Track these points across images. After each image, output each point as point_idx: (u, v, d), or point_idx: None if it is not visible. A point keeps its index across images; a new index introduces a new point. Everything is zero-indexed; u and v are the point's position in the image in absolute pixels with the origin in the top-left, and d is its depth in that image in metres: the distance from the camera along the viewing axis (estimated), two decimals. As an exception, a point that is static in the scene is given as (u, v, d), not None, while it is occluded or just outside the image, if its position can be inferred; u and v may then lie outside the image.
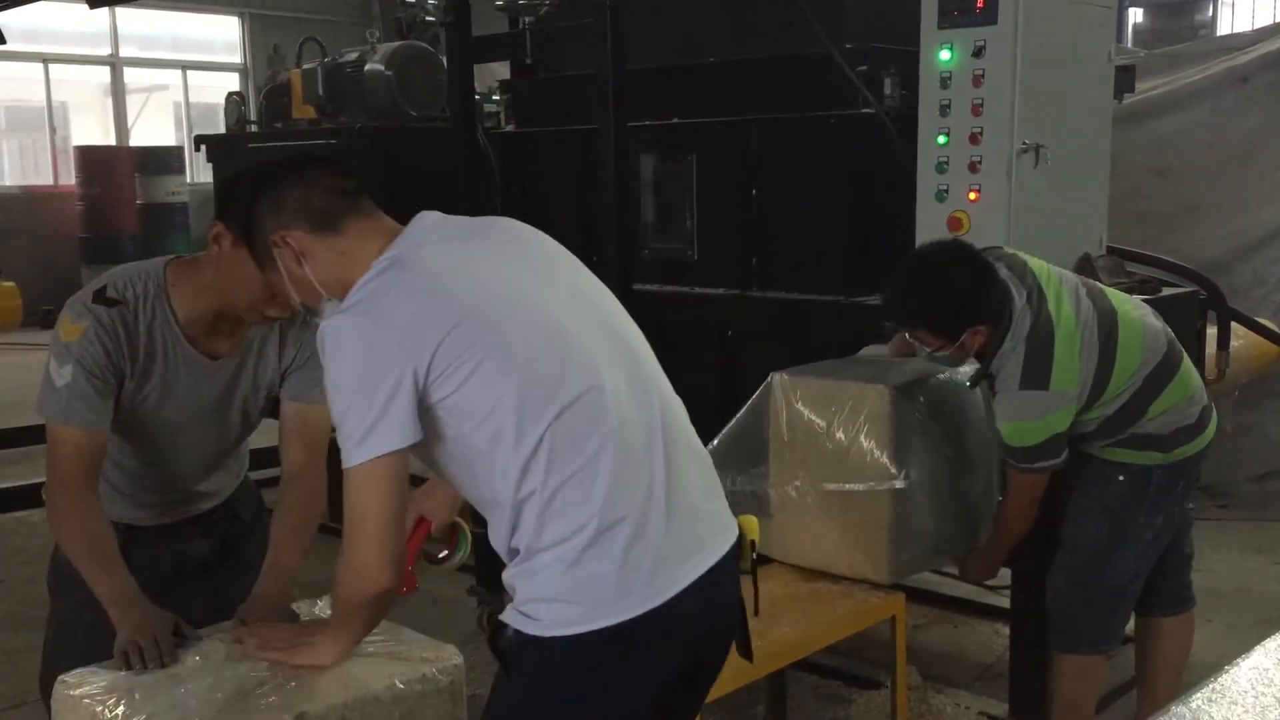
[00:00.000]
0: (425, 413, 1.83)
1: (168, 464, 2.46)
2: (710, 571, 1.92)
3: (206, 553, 2.53)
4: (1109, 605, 3.27)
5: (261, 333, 2.45)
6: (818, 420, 3.23)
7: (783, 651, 2.94)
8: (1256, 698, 1.65)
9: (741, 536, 2.06)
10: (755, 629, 2.91)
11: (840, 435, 3.20)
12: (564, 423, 1.84)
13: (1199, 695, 1.65)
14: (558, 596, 1.83)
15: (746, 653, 2.14)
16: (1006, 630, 3.94)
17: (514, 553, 1.88)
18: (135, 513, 2.46)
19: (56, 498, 2.29)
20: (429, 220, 2.01)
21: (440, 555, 2.38)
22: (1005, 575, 3.88)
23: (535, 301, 1.92)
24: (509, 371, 1.83)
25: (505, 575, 1.90)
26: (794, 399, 3.29)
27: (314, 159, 2.11)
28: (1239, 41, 6.79)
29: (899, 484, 3.10)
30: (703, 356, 4.47)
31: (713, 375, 4.37)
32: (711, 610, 1.95)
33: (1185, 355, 3.26)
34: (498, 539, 1.91)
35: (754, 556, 2.11)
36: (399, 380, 1.79)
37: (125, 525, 2.43)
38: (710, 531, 1.97)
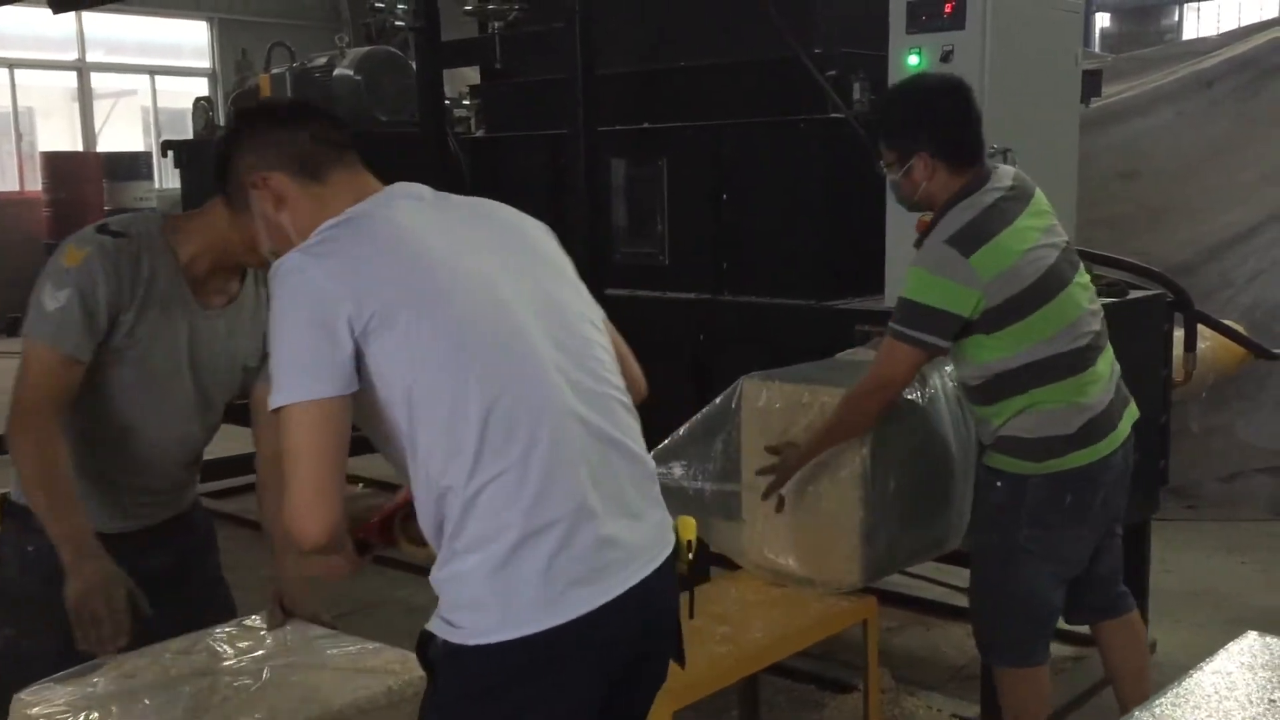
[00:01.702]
0: (362, 372, 1.77)
1: (143, 432, 2.38)
2: (646, 581, 1.86)
3: (165, 567, 2.48)
4: (1019, 617, 3.13)
5: (250, 305, 2.44)
6: (786, 425, 3.23)
7: (755, 656, 2.94)
8: (1220, 702, 1.66)
9: (678, 539, 2.00)
10: (725, 634, 2.94)
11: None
12: (496, 415, 1.77)
13: (1163, 700, 1.66)
14: (480, 603, 1.76)
15: (679, 658, 2.05)
16: (978, 632, 3.95)
17: (441, 551, 1.82)
18: (98, 512, 2.40)
19: (25, 421, 2.19)
20: (410, 187, 1.99)
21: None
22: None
23: (493, 281, 1.87)
24: (444, 346, 1.78)
25: (432, 577, 1.82)
26: (763, 403, 3.29)
27: (308, 104, 2.08)
28: (1204, 46, 6.85)
29: (869, 488, 3.10)
30: (675, 361, 4.46)
31: (685, 380, 4.36)
32: (647, 620, 1.89)
33: (1104, 368, 3.08)
34: (425, 531, 1.85)
35: (690, 558, 2.02)
36: (336, 325, 1.75)
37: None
38: (648, 542, 1.90)
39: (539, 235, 2.08)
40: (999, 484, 3.07)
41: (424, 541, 1.92)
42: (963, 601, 4.55)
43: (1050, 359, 2.97)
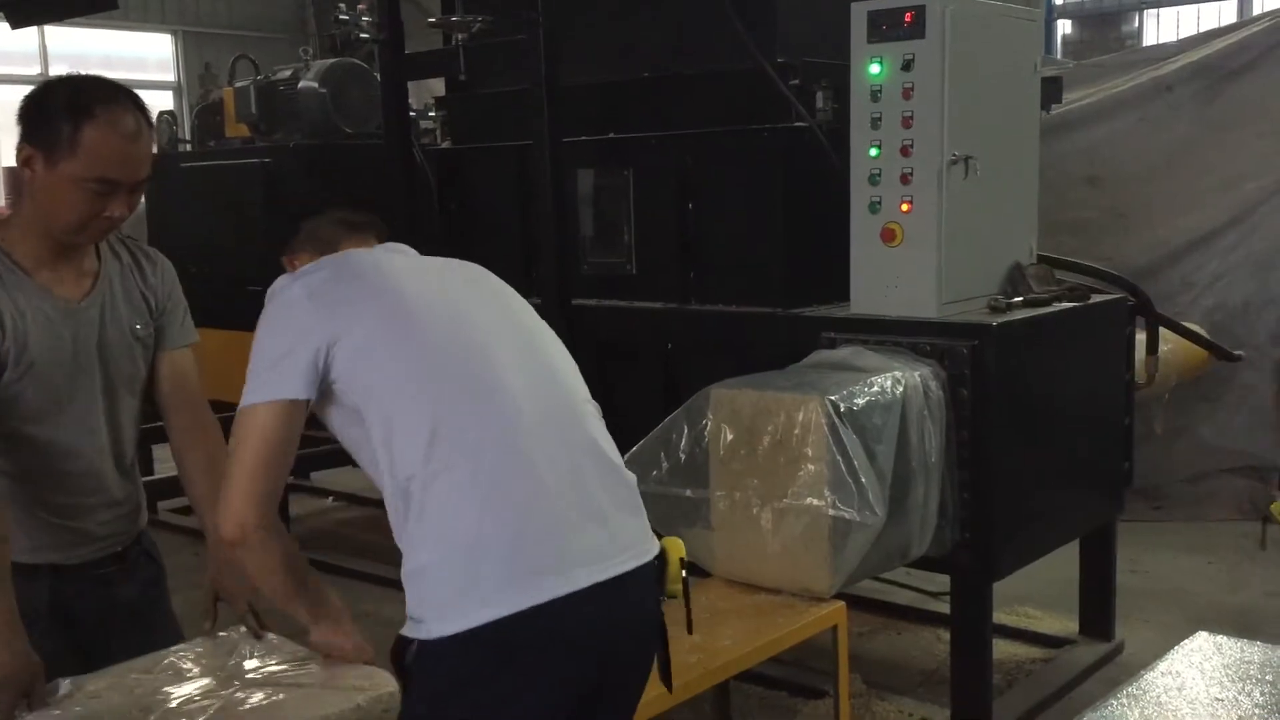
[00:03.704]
0: (329, 387, 1.94)
1: (62, 444, 2.31)
2: (615, 583, 1.90)
3: (132, 598, 2.45)
4: None
5: (117, 278, 2.39)
6: (754, 433, 3.25)
7: (726, 664, 2.95)
8: (1169, 701, 1.69)
9: (666, 558, 2.05)
10: (696, 642, 2.95)
11: (777, 447, 3.22)
12: (455, 419, 1.90)
13: (1113, 700, 1.69)
14: (444, 594, 1.84)
15: (666, 680, 2.10)
16: (948, 636, 3.98)
17: (405, 542, 1.90)
18: (58, 545, 2.36)
19: None
20: (394, 244, 2.23)
21: None
22: (946, 582, 3.93)
23: (463, 310, 2.05)
24: (410, 358, 1.93)
25: (402, 575, 1.90)
26: (731, 410, 3.31)
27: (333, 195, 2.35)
28: (1164, 52, 6.91)
29: (837, 495, 3.12)
30: (643, 370, 4.47)
31: (654, 388, 4.37)
32: (616, 623, 1.93)
33: None
34: (394, 528, 1.93)
35: (684, 577, 2.07)
36: (302, 341, 1.92)
37: (51, 566, 2.33)
38: (618, 545, 1.95)
39: (502, 284, 2.24)
40: None
41: None
42: (933, 606, 4.59)
43: None
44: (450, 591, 1.84)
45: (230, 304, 5.55)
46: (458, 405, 1.92)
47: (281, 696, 2.09)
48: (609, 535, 1.94)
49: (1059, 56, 12.21)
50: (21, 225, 2.29)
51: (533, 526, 1.87)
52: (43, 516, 2.32)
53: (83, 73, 2.29)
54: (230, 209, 5.86)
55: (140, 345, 2.44)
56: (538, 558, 1.85)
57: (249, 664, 2.23)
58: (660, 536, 2.10)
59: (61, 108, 2.18)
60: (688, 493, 3.36)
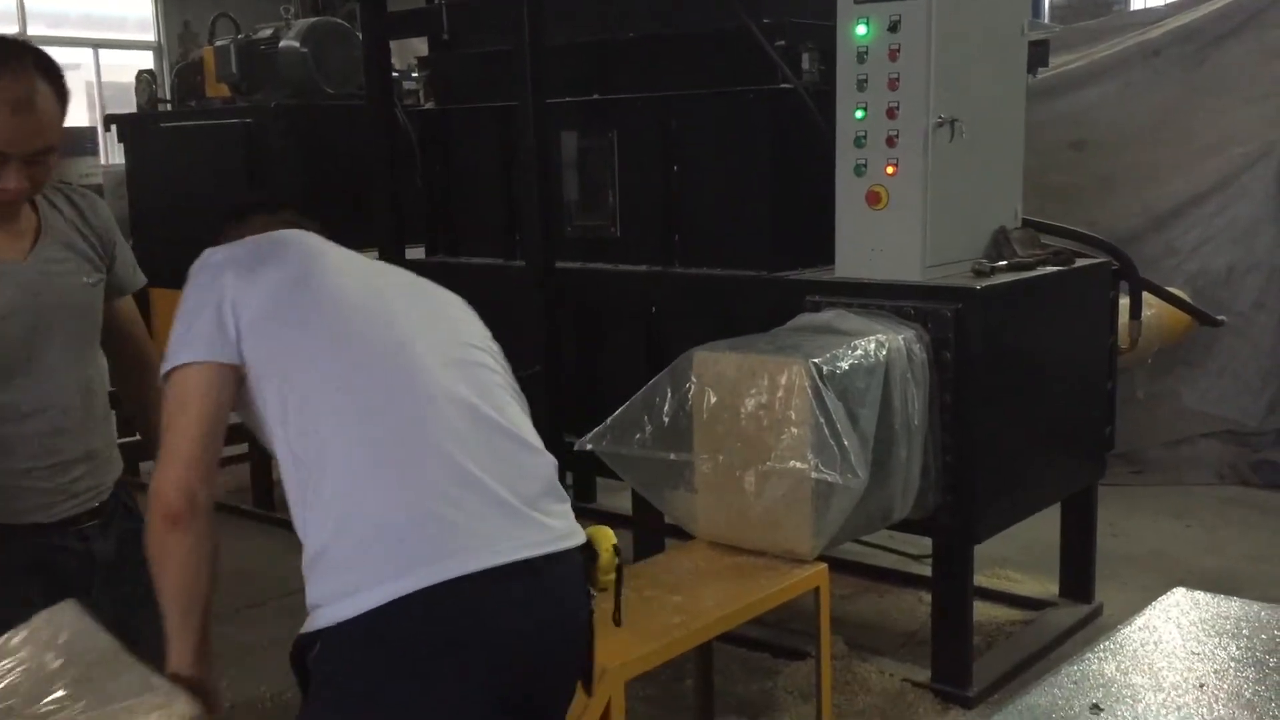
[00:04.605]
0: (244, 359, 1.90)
1: (29, 398, 2.27)
2: (521, 569, 1.78)
3: (110, 554, 2.43)
4: None
5: (60, 231, 2.35)
6: (737, 395, 3.25)
7: (708, 625, 2.96)
8: (1146, 655, 1.71)
9: (592, 551, 1.94)
10: (679, 603, 2.96)
11: (760, 410, 3.22)
12: (354, 402, 1.84)
13: (1090, 655, 1.70)
14: (343, 579, 1.74)
15: (586, 682, 1.97)
16: (930, 599, 4.01)
17: (301, 525, 1.83)
18: (39, 502, 2.34)
19: None
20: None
21: None
22: (928, 545, 3.95)
23: (385, 296, 2.00)
24: (313, 335, 1.90)
25: (303, 565, 1.82)
26: (715, 373, 3.30)
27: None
28: (1150, 16, 6.89)
29: (820, 457, 3.12)
30: (627, 333, 4.46)
31: (637, 351, 4.37)
32: (529, 613, 1.80)
33: None
34: (291, 505, 1.87)
35: (619, 566, 1.95)
36: (218, 305, 1.90)
37: (33, 525, 2.32)
38: (536, 530, 1.84)
39: (434, 286, 2.18)
40: None
41: None
42: (915, 568, 4.62)
43: None
44: (354, 573, 1.74)
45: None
46: (365, 381, 1.86)
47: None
48: (525, 521, 1.84)
49: (1046, 20, 12.16)
50: None
51: (440, 509, 1.77)
52: (22, 481, 2.30)
53: None
54: (211, 169, 5.81)
55: (94, 295, 2.40)
56: (446, 541, 1.75)
57: (53, 680, 1.86)
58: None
59: None
60: (671, 456, 3.36)
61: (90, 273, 2.39)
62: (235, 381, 1.89)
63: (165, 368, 1.89)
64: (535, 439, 1.97)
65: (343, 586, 1.74)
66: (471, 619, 1.75)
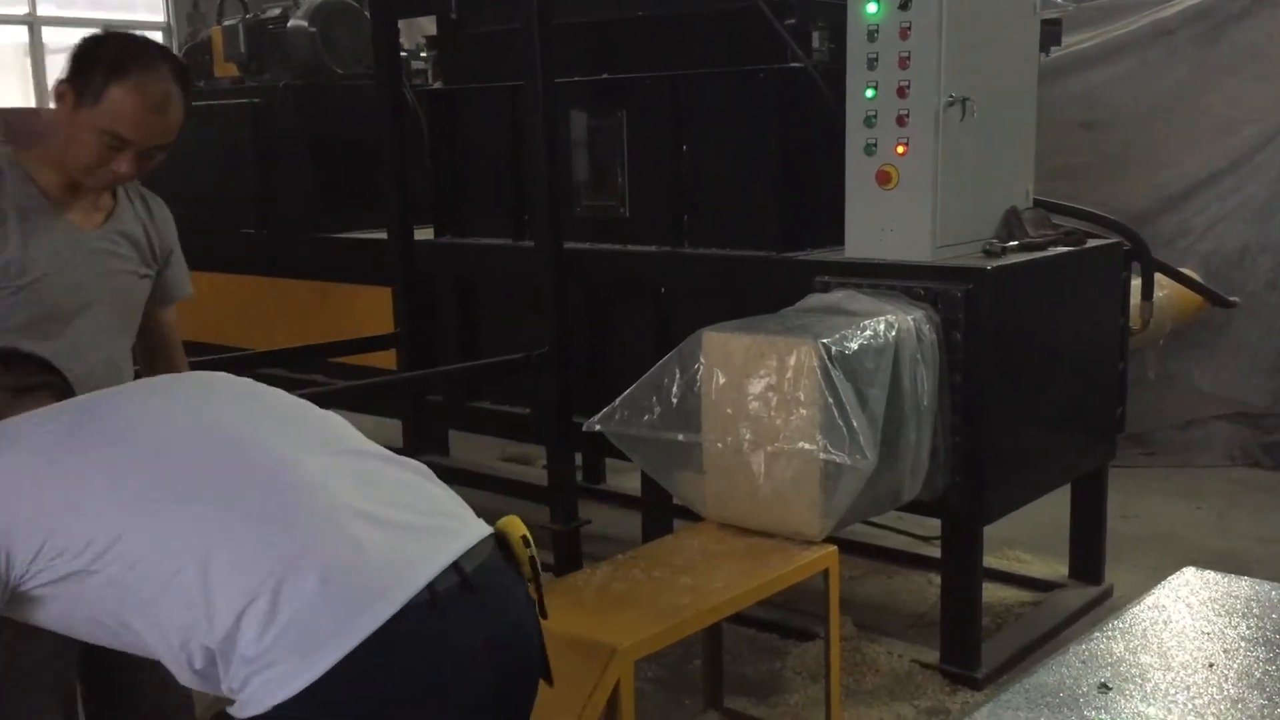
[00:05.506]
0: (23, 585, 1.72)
1: (66, 354, 2.33)
2: (459, 569, 1.72)
3: None
4: None
5: (129, 220, 2.52)
6: (746, 376, 3.24)
7: (717, 606, 2.96)
8: (1156, 634, 1.70)
9: (507, 543, 1.87)
10: (688, 584, 2.96)
11: (769, 391, 3.21)
12: (209, 488, 1.72)
13: (1099, 634, 1.70)
14: (269, 662, 1.60)
15: (545, 672, 1.90)
16: (939, 580, 4.00)
17: (215, 654, 1.64)
18: None
19: None
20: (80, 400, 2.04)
21: None
22: (937, 526, 3.95)
23: (196, 403, 1.93)
24: (134, 455, 1.77)
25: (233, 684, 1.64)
26: (723, 354, 3.29)
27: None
28: (1165, -6, 6.84)
29: (829, 438, 3.11)
30: (636, 314, 4.46)
31: (646, 332, 4.36)
32: (477, 633, 1.73)
33: None
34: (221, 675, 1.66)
35: (531, 556, 1.87)
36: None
37: None
38: (445, 538, 1.77)
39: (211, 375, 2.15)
40: None
41: None
42: (924, 550, 4.61)
43: None
44: (277, 657, 1.60)
45: (218, 246, 5.53)
46: (202, 478, 1.74)
47: None
48: (430, 534, 1.77)
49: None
50: (45, 155, 2.42)
51: (343, 559, 1.66)
52: None
53: (138, 34, 2.41)
54: (219, 150, 5.80)
55: (140, 288, 2.54)
56: (367, 584, 1.65)
57: None
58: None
59: (105, 60, 2.32)
60: (679, 436, 3.36)
61: (140, 266, 2.54)
62: None
63: None
64: (397, 457, 1.91)
65: (273, 664, 1.61)
66: (429, 659, 1.67)
